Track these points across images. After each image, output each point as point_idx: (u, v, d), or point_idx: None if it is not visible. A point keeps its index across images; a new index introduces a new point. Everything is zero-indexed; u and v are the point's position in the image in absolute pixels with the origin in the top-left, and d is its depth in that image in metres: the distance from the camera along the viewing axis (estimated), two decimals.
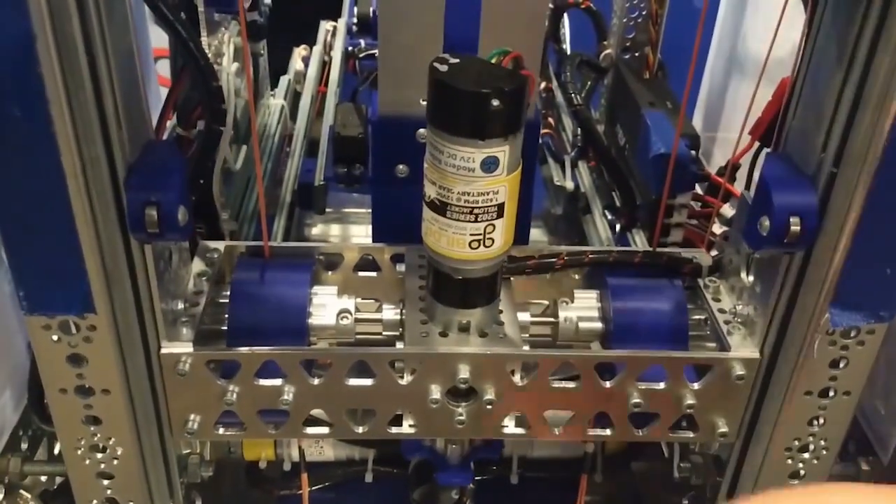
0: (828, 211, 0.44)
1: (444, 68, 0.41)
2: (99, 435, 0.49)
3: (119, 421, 0.48)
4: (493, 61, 0.42)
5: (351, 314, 0.51)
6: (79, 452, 0.50)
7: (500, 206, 0.44)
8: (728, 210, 0.72)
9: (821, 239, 0.44)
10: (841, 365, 0.49)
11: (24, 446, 0.61)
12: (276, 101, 0.88)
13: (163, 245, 0.45)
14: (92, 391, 0.47)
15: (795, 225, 0.43)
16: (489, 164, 0.42)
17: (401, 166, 0.53)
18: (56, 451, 0.64)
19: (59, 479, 0.62)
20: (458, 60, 0.42)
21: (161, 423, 0.50)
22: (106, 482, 0.51)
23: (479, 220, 0.44)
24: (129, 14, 0.40)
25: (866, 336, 0.48)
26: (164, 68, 0.83)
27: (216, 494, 0.64)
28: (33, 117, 0.38)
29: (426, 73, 0.42)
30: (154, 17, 0.51)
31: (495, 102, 0.40)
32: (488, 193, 0.43)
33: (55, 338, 0.45)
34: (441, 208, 0.44)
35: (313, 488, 0.69)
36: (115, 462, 0.50)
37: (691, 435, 0.51)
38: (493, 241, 0.45)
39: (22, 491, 0.60)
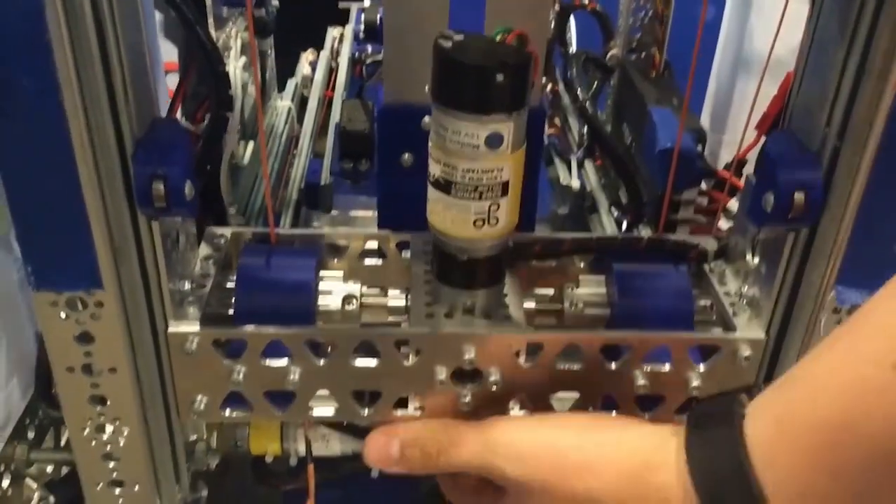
0: (832, 186, 0.44)
1: (448, 44, 0.42)
2: (105, 415, 0.49)
3: (125, 400, 0.48)
4: (498, 39, 0.43)
5: (357, 299, 0.51)
6: (85, 433, 0.50)
7: (505, 185, 0.44)
8: (735, 205, 0.72)
9: (825, 215, 0.44)
10: None
11: (31, 435, 0.61)
12: (283, 104, 0.89)
13: (170, 223, 0.46)
14: (99, 370, 0.47)
15: (800, 199, 0.43)
16: (493, 140, 0.42)
17: (406, 155, 0.54)
18: (63, 440, 0.64)
19: (64, 469, 0.62)
20: (462, 37, 0.42)
21: (168, 403, 0.50)
22: (112, 464, 0.51)
23: (483, 197, 0.44)
24: None
25: None
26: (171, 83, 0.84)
27: (222, 488, 0.64)
28: (42, 87, 0.39)
29: (431, 62, 0.42)
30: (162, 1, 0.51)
31: (499, 77, 0.41)
32: (493, 171, 0.43)
33: (63, 315, 0.45)
34: (445, 187, 0.44)
35: (319, 483, 0.69)
36: (121, 442, 0.50)
37: None
38: (497, 219, 0.45)
39: (27, 479, 0.61)
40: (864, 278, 0.46)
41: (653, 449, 0.42)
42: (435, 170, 0.45)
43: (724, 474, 0.37)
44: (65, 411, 0.49)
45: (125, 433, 0.49)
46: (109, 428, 0.49)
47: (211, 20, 0.61)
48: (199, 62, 0.56)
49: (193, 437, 0.58)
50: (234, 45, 0.64)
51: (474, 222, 0.45)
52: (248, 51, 0.66)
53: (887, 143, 0.42)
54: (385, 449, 0.48)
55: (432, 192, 0.46)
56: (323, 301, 0.51)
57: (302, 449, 0.66)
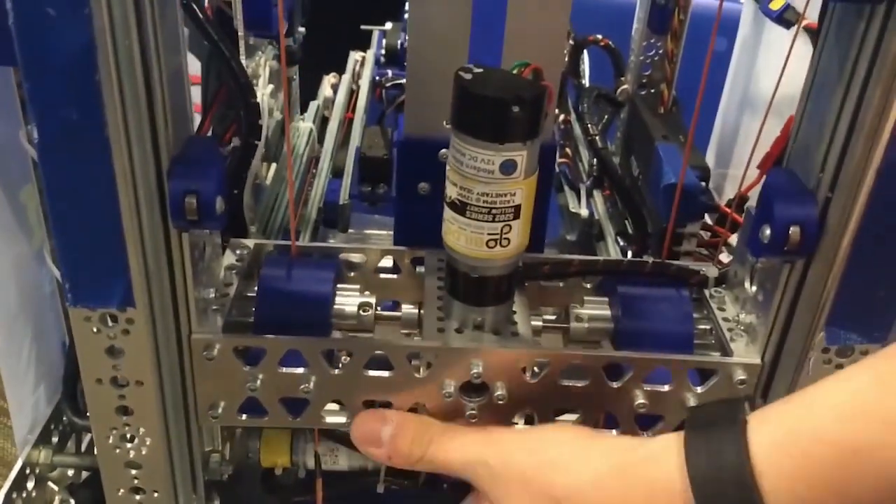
0: (823, 233, 0.46)
1: (468, 77, 0.45)
2: (130, 425, 0.51)
3: (149, 411, 0.50)
4: (515, 72, 0.46)
5: (372, 307, 0.53)
6: (110, 441, 0.52)
7: (517, 208, 0.47)
8: (736, 240, 0.74)
9: (815, 261, 0.47)
10: None
11: (55, 440, 0.63)
12: (304, 125, 0.92)
13: (198, 235, 0.48)
14: (126, 382, 0.49)
15: (795, 233, 0.45)
16: (508, 167, 0.45)
17: (423, 184, 0.56)
18: (84, 446, 0.66)
19: (84, 474, 0.64)
20: (481, 70, 0.45)
21: (188, 414, 0.52)
22: (134, 472, 0.53)
23: (496, 220, 0.47)
24: (178, 12, 0.44)
25: (860, 356, 0.49)
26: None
27: (232, 498, 0.66)
28: (87, 119, 0.41)
29: (450, 98, 0.45)
30: (199, 34, 0.54)
31: (515, 109, 0.43)
32: (506, 195, 0.46)
33: (95, 329, 0.47)
34: (461, 208, 0.47)
35: (326, 497, 0.71)
36: (144, 452, 0.52)
37: None
38: (509, 241, 0.48)
39: (50, 483, 0.63)
40: (852, 322, 0.48)
41: (648, 445, 0.43)
42: (451, 192, 0.47)
43: (724, 477, 0.38)
44: (92, 420, 0.51)
45: (148, 442, 0.51)
46: (133, 438, 0.51)
47: (242, 49, 0.64)
48: (229, 90, 0.59)
49: (208, 448, 0.61)
50: (263, 74, 0.67)
51: (487, 243, 0.47)
52: (275, 78, 0.69)
53: (876, 198, 0.44)
54: (376, 429, 0.49)
55: (448, 213, 0.48)
56: (340, 309, 0.53)
57: (311, 462, 0.68)
